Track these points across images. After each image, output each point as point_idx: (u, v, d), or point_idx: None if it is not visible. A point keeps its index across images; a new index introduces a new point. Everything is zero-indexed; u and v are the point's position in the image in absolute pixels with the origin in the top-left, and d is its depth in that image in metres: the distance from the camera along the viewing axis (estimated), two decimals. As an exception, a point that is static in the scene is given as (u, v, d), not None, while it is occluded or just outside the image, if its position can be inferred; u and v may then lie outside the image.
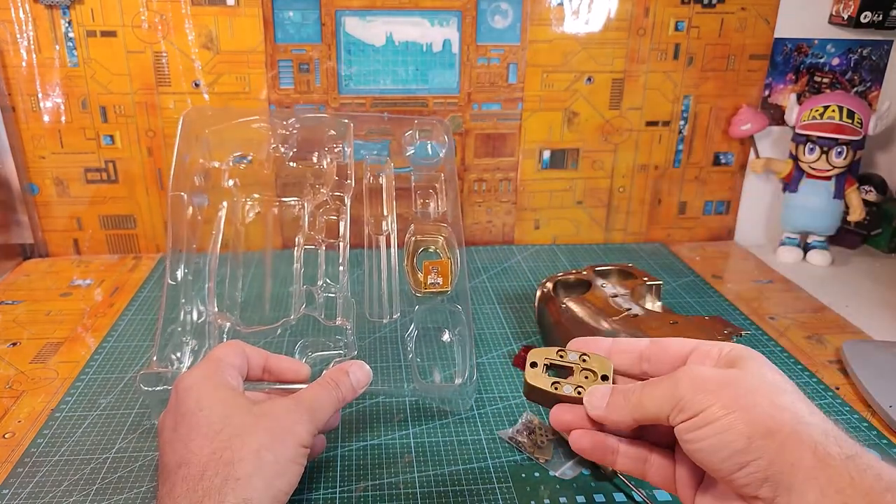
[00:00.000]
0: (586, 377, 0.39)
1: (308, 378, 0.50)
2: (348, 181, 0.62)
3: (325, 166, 0.62)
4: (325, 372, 0.48)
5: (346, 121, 0.63)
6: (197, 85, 0.82)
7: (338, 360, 0.56)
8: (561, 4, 0.84)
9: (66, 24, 0.78)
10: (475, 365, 0.56)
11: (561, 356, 0.40)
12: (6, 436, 0.53)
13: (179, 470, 0.38)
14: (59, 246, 0.88)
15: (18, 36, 0.78)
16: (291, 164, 0.62)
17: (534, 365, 0.40)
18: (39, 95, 0.80)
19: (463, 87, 0.86)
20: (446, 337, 0.62)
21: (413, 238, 0.58)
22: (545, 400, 0.40)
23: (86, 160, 0.84)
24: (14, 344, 0.66)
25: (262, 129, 0.63)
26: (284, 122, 0.63)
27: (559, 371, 0.40)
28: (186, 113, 0.60)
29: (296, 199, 0.63)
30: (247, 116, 0.64)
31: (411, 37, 0.83)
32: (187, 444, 0.39)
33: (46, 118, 0.82)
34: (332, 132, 0.63)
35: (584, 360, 0.40)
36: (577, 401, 0.38)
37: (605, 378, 0.39)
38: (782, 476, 0.30)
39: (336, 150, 0.62)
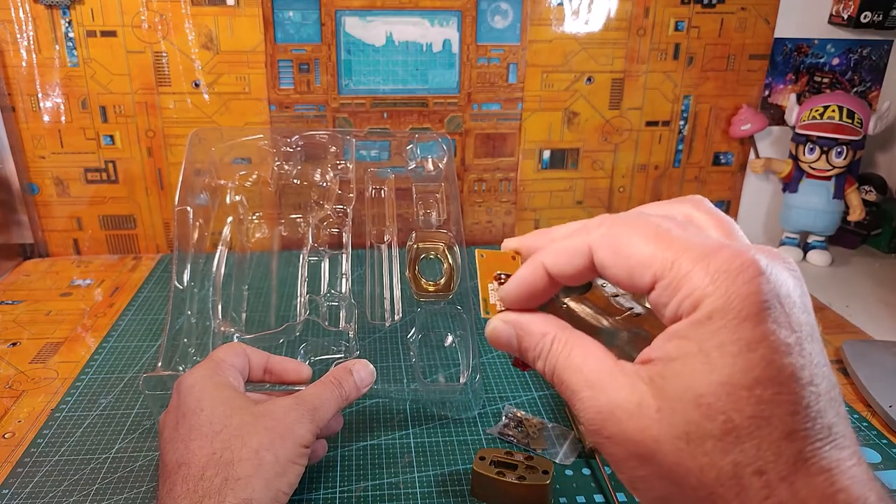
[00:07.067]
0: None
1: (309, 379, 0.50)
2: (351, 194, 0.63)
3: (328, 183, 0.63)
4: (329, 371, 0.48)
5: (350, 138, 0.64)
6: (197, 85, 0.82)
7: (339, 360, 0.56)
8: (561, 4, 0.84)
9: (66, 24, 0.78)
10: (479, 367, 0.56)
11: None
12: (6, 436, 0.53)
13: (179, 470, 0.38)
14: (59, 246, 0.88)
15: (18, 36, 0.78)
16: (295, 181, 0.63)
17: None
18: (39, 95, 0.80)
19: (463, 86, 0.86)
20: (449, 341, 0.62)
21: (415, 246, 0.59)
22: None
23: (86, 160, 0.84)
24: (14, 344, 0.66)
25: (266, 147, 0.64)
26: (288, 140, 0.64)
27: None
28: (193, 133, 0.61)
29: (300, 215, 0.64)
30: (251, 135, 0.65)
31: (411, 37, 0.83)
32: (188, 444, 0.39)
33: (46, 118, 0.82)
34: (335, 149, 0.64)
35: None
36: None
37: None
38: None
39: (339, 167, 0.63)
